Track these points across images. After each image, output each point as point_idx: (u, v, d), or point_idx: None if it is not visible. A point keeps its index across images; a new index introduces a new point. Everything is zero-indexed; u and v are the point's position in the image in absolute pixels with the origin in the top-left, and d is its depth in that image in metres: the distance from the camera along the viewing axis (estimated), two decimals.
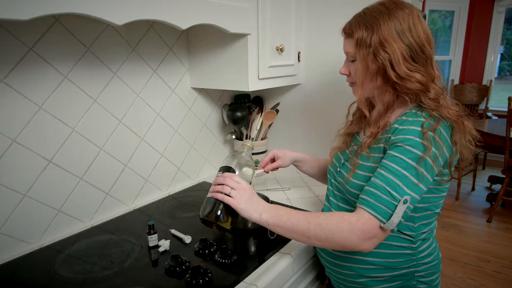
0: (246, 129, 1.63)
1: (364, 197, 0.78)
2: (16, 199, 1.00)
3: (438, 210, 0.90)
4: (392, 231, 0.77)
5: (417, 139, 0.76)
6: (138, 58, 1.26)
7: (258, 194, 1.20)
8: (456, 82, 4.68)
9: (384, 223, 0.75)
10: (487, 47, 4.48)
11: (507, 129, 2.86)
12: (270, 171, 1.20)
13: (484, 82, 4.56)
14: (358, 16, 0.86)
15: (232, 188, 0.87)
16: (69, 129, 1.09)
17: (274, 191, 1.44)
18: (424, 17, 2.04)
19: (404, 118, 0.82)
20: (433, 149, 0.76)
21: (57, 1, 0.71)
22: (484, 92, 4.52)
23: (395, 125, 0.82)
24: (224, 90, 1.64)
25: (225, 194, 0.87)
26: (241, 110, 1.55)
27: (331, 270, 0.99)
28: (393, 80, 0.80)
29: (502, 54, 4.52)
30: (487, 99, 4.51)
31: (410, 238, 0.87)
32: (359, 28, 0.83)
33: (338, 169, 0.97)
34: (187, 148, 1.53)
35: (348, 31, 0.88)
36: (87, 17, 0.77)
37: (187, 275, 0.86)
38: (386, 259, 0.88)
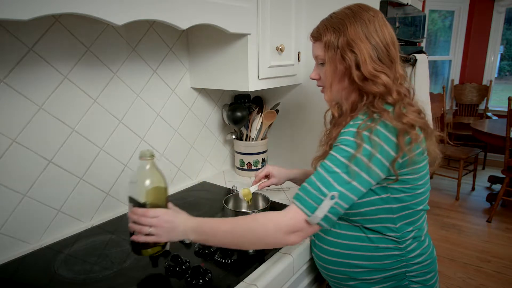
0: (246, 129, 1.63)
1: (298, 191, 0.81)
2: (16, 199, 1.00)
3: (420, 208, 0.89)
4: (320, 226, 0.79)
5: (351, 138, 0.78)
6: (138, 58, 1.26)
7: (258, 194, 1.21)
8: (456, 82, 4.68)
9: (309, 216, 0.77)
10: (487, 47, 4.48)
11: (507, 129, 2.86)
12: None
13: (484, 82, 4.56)
14: (325, 20, 0.89)
15: (150, 226, 0.81)
16: (69, 129, 1.09)
17: (274, 191, 1.44)
18: (424, 17, 2.04)
19: (351, 122, 0.83)
20: (367, 147, 0.76)
21: (57, 1, 0.71)
22: (484, 92, 4.52)
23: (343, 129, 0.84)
24: (224, 90, 1.64)
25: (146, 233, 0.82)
26: (241, 110, 1.55)
27: (325, 274, 1.00)
28: (356, 81, 0.82)
29: (502, 54, 4.51)
30: (487, 99, 4.51)
31: (395, 239, 0.87)
32: (327, 31, 0.86)
33: None
34: (187, 148, 1.53)
35: (316, 35, 0.90)
36: (87, 17, 0.77)
37: (187, 275, 0.86)
38: (374, 261, 0.88)
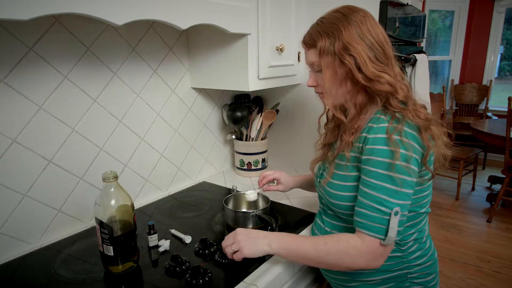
0: (246, 129, 1.63)
1: (358, 219, 0.80)
2: (16, 199, 1.00)
3: (423, 210, 0.89)
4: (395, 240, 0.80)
5: (384, 147, 0.77)
6: (138, 58, 1.26)
7: (258, 194, 1.21)
8: (456, 82, 4.68)
9: (383, 240, 0.77)
10: (487, 47, 4.48)
11: (507, 129, 2.86)
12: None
13: (484, 82, 4.56)
14: (316, 26, 0.87)
15: (231, 244, 0.89)
16: (69, 129, 1.09)
17: (274, 191, 1.44)
18: (424, 17, 2.03)
19: (370, 125, 0.82)
20: (402, 151, 0.75)
21: (57, 1, 0.71)
22: (484, 92, 4.52)
23: (364, 134, 0.82)
24: (224, 90, 1.64)
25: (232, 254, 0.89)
26: (241, 110, 1.55)
27: (326, 275, 1.00)
28: (362, 83, 0.81)
29: (502, 54, 4.51)
30: (487, 99, 4.51)
31: (397, 241, 0.87)
32: (321, 37, 0.84)
33: (318, 180, 0.98)
34: (187, 148, 1.53)
35: (309, 42, 0.88)
36: (87, 17, 0.77)
37: (187, 275, 0.86)
38: None
